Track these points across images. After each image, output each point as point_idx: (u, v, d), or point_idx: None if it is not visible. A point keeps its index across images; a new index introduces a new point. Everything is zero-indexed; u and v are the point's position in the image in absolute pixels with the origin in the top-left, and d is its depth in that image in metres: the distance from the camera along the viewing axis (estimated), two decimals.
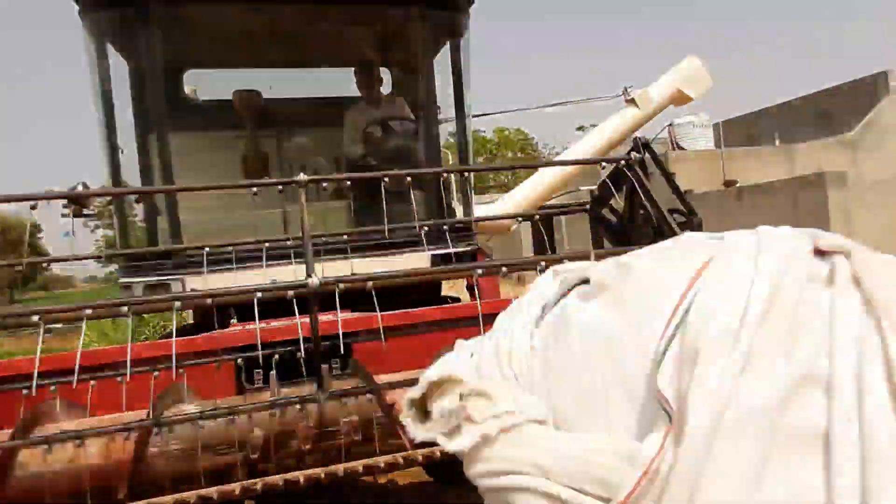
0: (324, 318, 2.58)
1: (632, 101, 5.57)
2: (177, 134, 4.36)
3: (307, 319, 2.74)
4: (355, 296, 2.34)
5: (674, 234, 2.64)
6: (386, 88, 4.90)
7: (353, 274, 2.77)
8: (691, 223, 2.62)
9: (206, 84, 4.66)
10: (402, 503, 4.05)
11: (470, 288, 4.30)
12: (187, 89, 4.50)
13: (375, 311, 3.00)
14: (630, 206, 2.85)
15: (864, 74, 16.24)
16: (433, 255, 3.59)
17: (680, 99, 5.79)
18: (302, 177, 2.21)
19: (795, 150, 13.54)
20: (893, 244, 12.64)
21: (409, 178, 2.60)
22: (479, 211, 5.23)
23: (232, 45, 4.15)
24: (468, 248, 3.78)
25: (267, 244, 2.74)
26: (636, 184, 2.68)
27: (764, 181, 10.36)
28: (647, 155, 2.74)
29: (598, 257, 2.20)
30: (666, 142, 13.97)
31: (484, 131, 40.62)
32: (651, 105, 5.60)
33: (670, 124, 13.82)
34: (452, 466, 4.13)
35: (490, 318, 3.02)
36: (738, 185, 10.85)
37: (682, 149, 13.45)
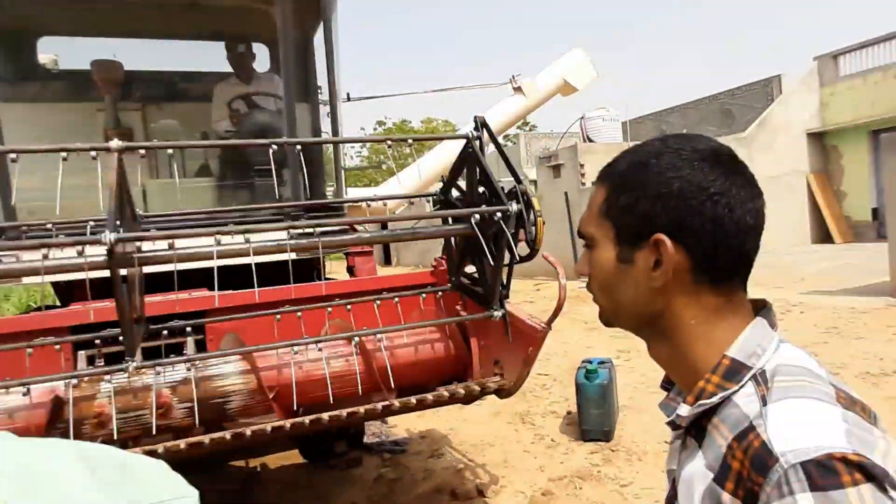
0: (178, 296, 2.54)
1: (519, 90, 5.70)
2: (30, 104, 4.12)
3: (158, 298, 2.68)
4: (224, 275, 2.30)
5: (501, 203, 2.72)
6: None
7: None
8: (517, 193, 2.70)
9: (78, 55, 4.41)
10: (271, 482, 4.01)
11: (350, 269, 4.29)
12: (44, 58, 4.24)
13: (237, 290, 2.96)
14: (470, 185, 2.91)
15: (762, 77, 17.27)
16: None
17: (566, 89, 5.97)
18: (116, 143, 2.13)
19: None
20: (783, 236, 13.47)
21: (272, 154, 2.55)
22: (361, 194, 5.22)
23: (88, 13, 3.93)
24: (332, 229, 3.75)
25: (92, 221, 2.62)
26: (475, 161, 2.73)
27: None
28: (486, 134, 2.80)
29: None
30: (578, 135, 14.40)
31: (411, 122, 40.55)
32: (537, 94, 5.75)
33: (582, 118, 14.26)
34: (326, 448, 4.09)
35: (346, 296, 3.03)
36: None
37: (592, 141, 13.91)
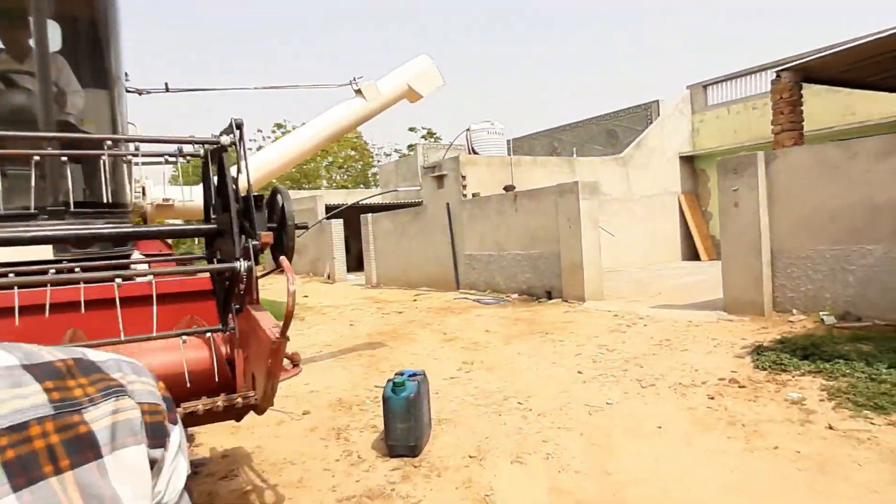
0: None
1: (359, 92, 5.52)
2: None
3: None
4: None
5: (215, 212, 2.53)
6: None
7: None
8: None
9: None
10: None
11: None
12: None
13: None
14: (218, 188, 2.67)
15: (642, 102, 18.22)
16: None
17: (411, 95, 5.87)
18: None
19: (577, 163, 14.77)
20: (655, 252, 14.10)
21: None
22: (172, 188, 4.84)
23: None
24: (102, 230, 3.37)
25: None
26: (221, 173, 2.49)
27: (535, 188, 11.09)
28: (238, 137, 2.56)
29: None
30: (464, 146, 14.50)
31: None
32: (379, 98, 5.60)
33: (468, 129, 14.38)
34: None
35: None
36: (515, 190, 11.51)
37: (477, 153, 14.04)
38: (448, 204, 13.15)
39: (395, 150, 41.12)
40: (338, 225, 20.49)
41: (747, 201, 7.06)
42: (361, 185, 39.19)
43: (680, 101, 16.70)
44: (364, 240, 17.54)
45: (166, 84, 5.02)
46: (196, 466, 4.14)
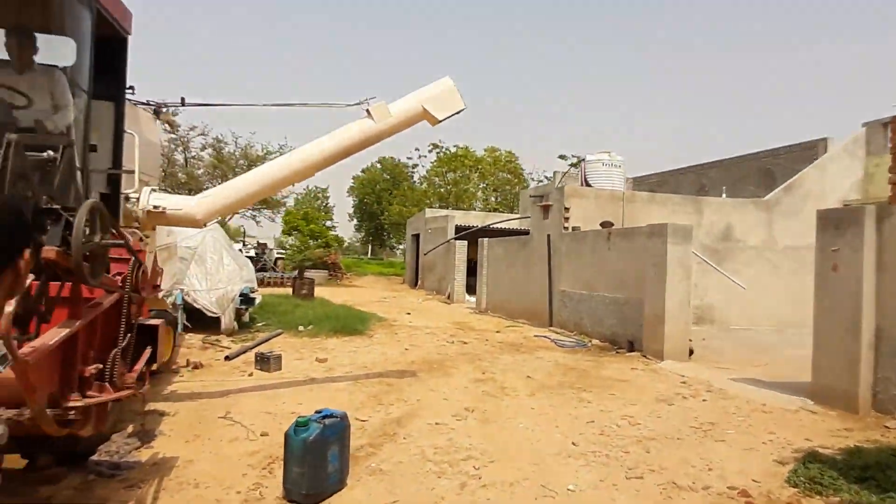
0: None
1: (370, 113, 5.36)
2: None
3: None
4: None
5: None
6: None
7: None
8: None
9: None
10: None
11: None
12: None
13: None
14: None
15: (807, 139, 15.81)
16: None
17: (427, 118, 5.56)
18: None
19: (705, 204, 13.16)
20: (797, 310, 12.08)
21: None
22: (156, 197, 5.04)
23: None
24: None
25: None
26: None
27: (634, 226, 10.04)
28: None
29: None
30: (577, 176, 13.66)
31: (475, 150, 40.49)
32: (388, 119, 5.38)
33: (583, 160, 13.54)
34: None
35: None
36: (612, 226, 10.53)
37: (590, 185, 13.15)
38: (549, 235, 12.46)
39: (545, 177, 40.44)
40: (462, 247, 20.55)
41: (849, 265, 5.63)
42: (516, 210, 39.15)
43: (851, 140, 14.15)
44: (479, 264, 17.34)
45: (182, 98, 5.33)
46: (120, 468, 4.21)
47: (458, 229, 21.97)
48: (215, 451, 4.59)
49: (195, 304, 9.95)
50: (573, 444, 4.89)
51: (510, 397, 6.37)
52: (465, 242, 20.48)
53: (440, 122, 5.57)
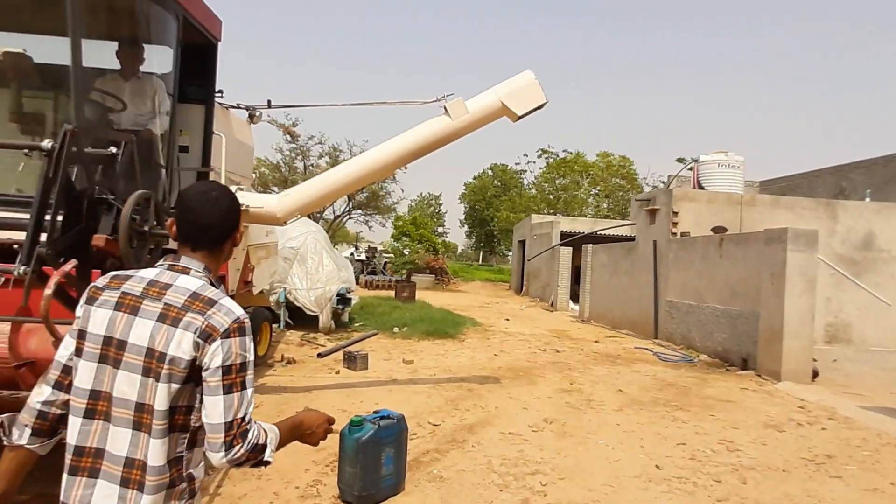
0: None
1: (447, 111, 5.25)
2: None
3: None
4: None
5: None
6: None
7: None
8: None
9: None
10: None
11: None
12: None
13: None
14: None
15: None
16: None
17: (506, 114, 5.34)
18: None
19: (841, 208, 11.68)
20: None
21: None
22: (242, 196, 5.22)
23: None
24: None
25: None
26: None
27: (747, 231, 9.12)
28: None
29: None
30: (690, 179, 12.70)
31: (586, 154, 39.30)
32: (464, 116, 5.23)
33: (696, 160, 12.56)
34: None
35: None
36: (724, 232, 9.64)
37: (703, 188, 12.16)
38: (655, 242, 11.68)
39: (661, 182, 38.31)
40: (566, 253, 19.95)
41: None
42: (628, 216, 37.52)
43: None
44: (582, 271, 16.70)
45: (269, 101, 5.52)
46: None
47: (564, 235, 21.35)
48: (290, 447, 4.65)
49: (296, 303, 10.41)
50: (657, 467, 4.43)
51: (595, 411, 5.95)
52: (570, 249, 19.84)
53: (521, 117, 5.34)
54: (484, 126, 5.41)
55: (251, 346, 1.47)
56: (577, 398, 6.46)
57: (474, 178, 57.67)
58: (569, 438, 5.06)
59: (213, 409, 1.38)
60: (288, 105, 5.77)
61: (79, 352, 1.43)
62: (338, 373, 7.38)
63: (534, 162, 40.82)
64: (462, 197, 58.74)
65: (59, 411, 1.46)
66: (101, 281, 1.52)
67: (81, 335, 1.44)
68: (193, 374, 1.40)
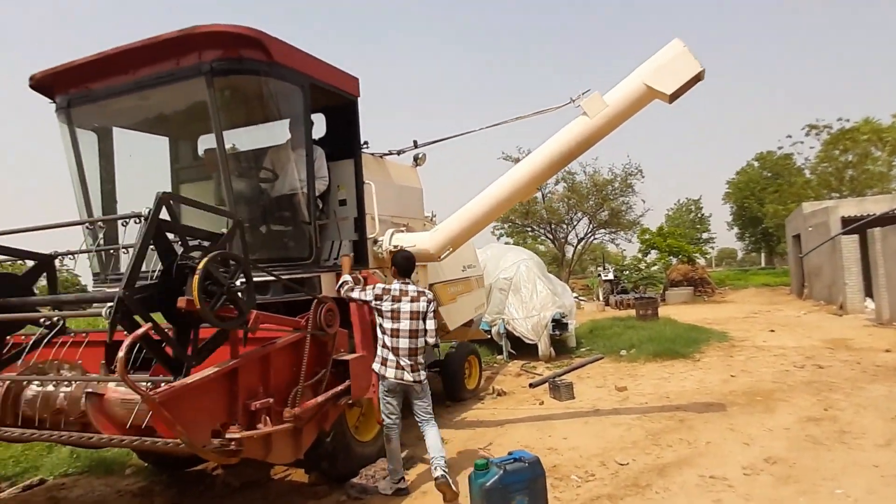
0: None
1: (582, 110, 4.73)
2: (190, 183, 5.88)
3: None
4: None
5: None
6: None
7: None
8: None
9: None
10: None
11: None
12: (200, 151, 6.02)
13: None
14: None
15: None
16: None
17: (657, 95, 4.57)
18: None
19: None
20: None
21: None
22: (397, 237, 5.33)
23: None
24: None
25: None
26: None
27: None
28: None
29: None
30: None
31: (878, 119, 31.96)
32: (604, 111, 4.62)
33: None
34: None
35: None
36: None
37: None
38: None
39: None
40: (850, 243, 16.28)
41: None
42: None
43: None
44: (871, 262, 13.39)
45: (415, 141, 5.63)
46: (367, 491, 4.50)
47: (846, 222, 17.48)
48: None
49: (515, 332, 10.35)
50: None
51: (845, 446, 4.56)
52: (856, 238, 16.12)
53: (675, 95, 4.50)
54: (632, 116, 4.71)
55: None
56: (825, 429, 5.05)
57: (737, 174, 51.40)
58: (792, 486, 3.93)
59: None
60: (433, 141, 5.84)
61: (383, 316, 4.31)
62: (542, 403, 7.03)
63: (801, 142, 34.52)
64: (726, 196, 52.64)
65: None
66: (380, 290, 4.34)
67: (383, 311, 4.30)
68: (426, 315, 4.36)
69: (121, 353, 2.50)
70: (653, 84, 4.49)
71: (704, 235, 54.12)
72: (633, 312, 17.85)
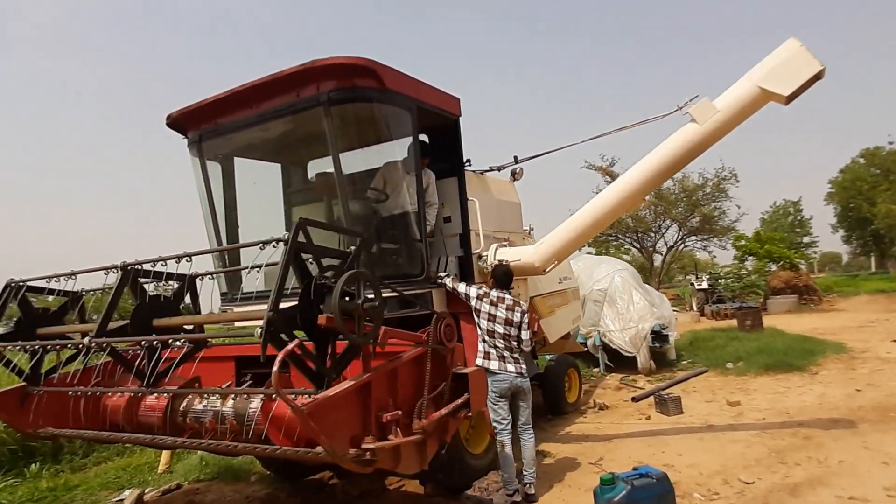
0: None
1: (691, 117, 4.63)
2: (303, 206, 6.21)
3: None
4: None
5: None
6: None
7: None
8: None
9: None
10: None
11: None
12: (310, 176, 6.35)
13: None
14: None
15: None
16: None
17: (770, 98, 4.40)
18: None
19: None
20: None
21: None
22: (501, 252, 5.38)
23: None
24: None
25: None
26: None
27: None
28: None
29: None
30: None
31: None
32: (714, 117, 4.50)
33: None
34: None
35: None
36: None
37: None
38: None
39: None
40: None
41: None
42: None
43: None
44: None
45: (515, 157, 5.68)
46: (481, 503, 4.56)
47: None
48: (568, 500, 4.50)
49: (612, 345, 10.14)
50: None
51: None
52: None
53: (792, 96, 4.32)
54: (744, 120, 4.55)
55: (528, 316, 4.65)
56: None
57: (840, 172, 47.84)
58: None
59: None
60: (534, 156, 5.87)
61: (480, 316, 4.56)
62: (648, 418, 6.84)
63: None
64: (829, 197, 49.06)
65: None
66: (482, 291, 4.64)
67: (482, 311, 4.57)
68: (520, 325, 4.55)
69: (275, 369, 2.70)
70: (768, 86, 4.34)
71: (805, 239, 50.69)
72: (732, 323, 16.97)
